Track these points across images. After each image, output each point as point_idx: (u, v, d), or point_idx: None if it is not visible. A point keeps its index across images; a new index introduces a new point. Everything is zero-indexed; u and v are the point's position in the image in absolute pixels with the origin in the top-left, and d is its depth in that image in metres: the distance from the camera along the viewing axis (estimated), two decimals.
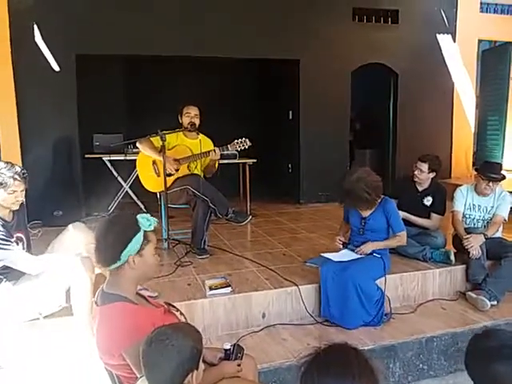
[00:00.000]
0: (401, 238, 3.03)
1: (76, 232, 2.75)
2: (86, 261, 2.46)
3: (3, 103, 4.87)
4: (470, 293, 3.23)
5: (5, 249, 2.35)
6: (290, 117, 6.26)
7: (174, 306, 1.85)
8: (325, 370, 1.04)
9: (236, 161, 5.45)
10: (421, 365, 2.77)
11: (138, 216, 1.64)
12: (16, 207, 2.50)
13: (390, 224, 3.01)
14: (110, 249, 1.58)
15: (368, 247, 2.95)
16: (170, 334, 1.35)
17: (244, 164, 5.53)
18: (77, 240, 2.68)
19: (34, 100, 4.90)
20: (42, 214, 4.64)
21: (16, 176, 2.40)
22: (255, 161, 5.47)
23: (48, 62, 4.89)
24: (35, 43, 4.82)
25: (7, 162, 2.45)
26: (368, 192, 2.84)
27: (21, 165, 2.58)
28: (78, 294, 2.41)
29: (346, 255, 3.02)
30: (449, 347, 2.82)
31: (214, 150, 3.68)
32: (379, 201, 3.00)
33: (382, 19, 6.15)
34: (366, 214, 3.02)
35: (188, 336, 1.38)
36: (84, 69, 5.15)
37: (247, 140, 3.78)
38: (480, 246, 3.28)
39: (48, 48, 4.87)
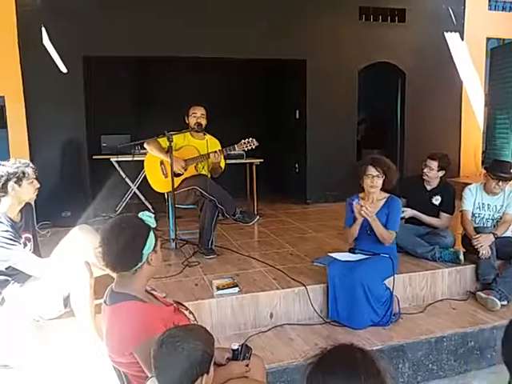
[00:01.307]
0: (390, 235, 2.93)
1: (82, 234, 2.75)
2: (86, 266, 2.46)
3: (12, 105, 4.91)
4: (479, 293, 3.20)
5: (9, 249, 2.36)
6: (297, 116, 6.25)
7: (183, 305, 1.86)
8: (331, 371, 1.03)
9: (243, 161, 5.45)
10: (430, 365, 2.75)
11: (141, 215, 1.67)
12: (34, 197, 2.55)
13: (388, 219, 2.93)
14: (131, 252, 1.59)
15: (374, 217, 2.87)
16: (181, 337, 1.34)
17: (251, 164, 5.52)
18: (83, 242, 2.69)
19: (42, 101, 4.93)
20: (50, 214, 4.68)
21: (31, 164, 2.51)
22: (262, 161, 5.46)
23: (56, 63, 4.93)
24: (43, 45, 4.85)
25: (12, 160, 2.50)
26: (390, 166, 2.92)
27: None
28: (78, 300, 2.41)
29: (352, 255, 2.99)
30: (458, 347, 2.79)
31: (216, 152, 3.67)
32: (386, 199, 2.98)
33: (389, 18, 6.11)
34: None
35: (199, 340, 1.36)
36: (91, 70, 5.18)
37: (254, 140, 3.77)
38: (490, 246, 3.24)
39: (56, 50, 4.91)
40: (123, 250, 1.57)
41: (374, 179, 2.90)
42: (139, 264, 1.61)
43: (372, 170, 2.90)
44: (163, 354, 1.33)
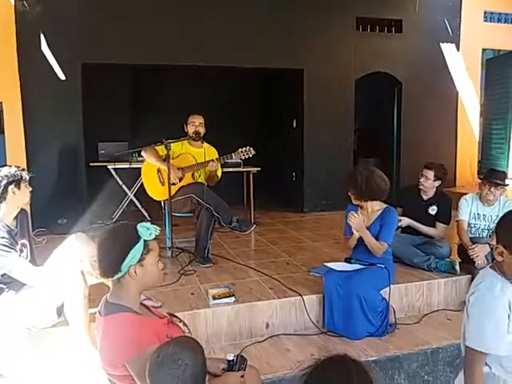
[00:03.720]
0: (381, 246, 2.90)
1: (78, 243, 2.73)
2: (81, 275, 2.44)
3: (10, 111, 4.91)
4: None
5: (4, 256, 2.34)
6: (294, 125, 6.28)
7: (176, 317, 1.85)
8: (325, 382, 1.04)
9: (240, 169, 5.45)
10: (426, 376, 2.74)
11: (139, 225, 1.63)
12: (29, 201, 2.57)
13: (381, 230, 2.91)
14: (111, 260, 1.58)
15: (362, 226, 2.90)
16: (180, 353, 1.33)
17: (248, 172, 5.52)
18: (78, 251, 2.67)
19: (40, 108, 4.94)
20: (46, 221, 4.67)
21: (22, 168, 2.54)
22: (259, 169, 5.47)
23: (54, 70, 4.94)
24: (42, 52, 4.87)
25: (6, 166, 2.50)
26: (368, 183, 2.93)
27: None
28: (71, 309, 2.39)
29: (348, 265, 2.99)
30: (454, 358, 2.78)
31: (213, 161, 3.68)
32: (382, 210, 2.98)
33: (385, 28, 6.17)
34: (367, 223, 2.98)
35: (196, 352, 1.37)
36: (89, 77, 5.19)
37: (251, 149, 3.79)
38: (485, 256, 3.25)
39: (54, 57, 4.92)
40: (104, 256, 1.59)
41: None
42: (119, 274, 1.59)
43: None
44: (163, 373, 1.31)
